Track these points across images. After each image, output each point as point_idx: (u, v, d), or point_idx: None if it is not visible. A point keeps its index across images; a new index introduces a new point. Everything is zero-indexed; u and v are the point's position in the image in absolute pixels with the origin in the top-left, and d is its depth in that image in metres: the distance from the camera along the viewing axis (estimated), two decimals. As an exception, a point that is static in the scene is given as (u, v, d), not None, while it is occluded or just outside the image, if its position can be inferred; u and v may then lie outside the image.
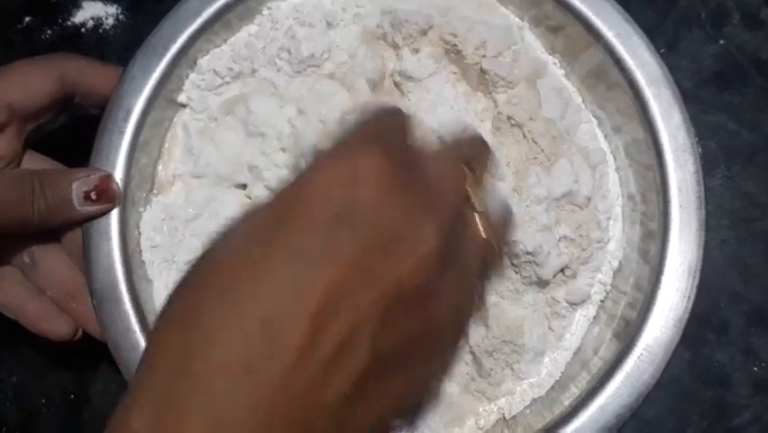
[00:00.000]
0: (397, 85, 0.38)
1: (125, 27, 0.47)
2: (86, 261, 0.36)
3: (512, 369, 0.37)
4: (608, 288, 0.38)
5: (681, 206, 0.35)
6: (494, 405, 0.37)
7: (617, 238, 0.38)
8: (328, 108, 0.36)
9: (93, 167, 0.37)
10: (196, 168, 0.39)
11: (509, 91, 0.37)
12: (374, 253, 0.23)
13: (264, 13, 0.40)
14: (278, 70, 0.38)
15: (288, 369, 0.21)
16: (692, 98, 0.40)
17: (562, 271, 0.36)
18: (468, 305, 0.29)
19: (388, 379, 0.24)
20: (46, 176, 0.35)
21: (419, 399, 0.35)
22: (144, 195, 0.39)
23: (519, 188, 0.36)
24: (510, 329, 0.36)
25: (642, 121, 0.36)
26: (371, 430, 0.24)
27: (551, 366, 0.37)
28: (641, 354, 0.34)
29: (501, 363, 0.36)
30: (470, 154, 0.30)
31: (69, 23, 0.47)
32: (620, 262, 0.38)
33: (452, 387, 0.37)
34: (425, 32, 0.37)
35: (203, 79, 0.39)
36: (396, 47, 0.38)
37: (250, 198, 0.38)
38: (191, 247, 0.38)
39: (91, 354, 0.39)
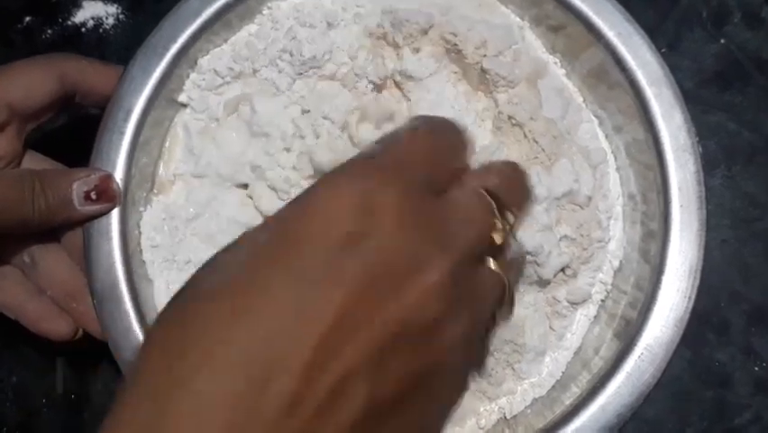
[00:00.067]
0: (397, 84, 0.38)
1: (125, 27, 0.47)
2: (86, 260, 0.36)
3: (513, 369, 0.37)
4: (609, 287, 0.38)
5: (681, 205, 0.35)
6: (495, 405, 0.37)
7: (617, 238, 0.38)
8: (331, 108, 0.37)
9: (93, 167, 0.37)
10: (196, 167, 0.39)
11: (510, 91, 0.37)
12: (377, 287, 0.21)
13: (264, 12, 0.40)
14: (280, 72, 0.38)
15: (279, 416, 0.19)
16: (693, 98, 0.40)
17: (562, 270, 0.36)
18: (478, 350, 0.27)
19: (389, 425, 0.22)
20: (46, 176, 0.35)
21: None
22: (145, 195, 0.39)
23: (520, 187, 0.36)
24: (511, 329, 0.36)
25: (643, 121, 0.36)
26: None
27: (552, 366, 0.37)
28: (642, 354, 0.34)
29: (502, 363, 0.36)
30: (506, 191, 0.27)
31: (69, 22, 0.47)
32: (621, 262, 0.38)
33: (452, 387, 0.37)
34: (425, 32, 0.37)
35: (203, 79, 0.39)
36: (396, 46, 0.38)
37: (251, 197, 0.38)
38: (192, 247, 0.38)
39: (91, 353, 0.39)
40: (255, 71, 0.39)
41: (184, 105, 0.39)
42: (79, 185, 0.36)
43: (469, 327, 0.24)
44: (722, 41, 0.44)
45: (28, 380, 0.44)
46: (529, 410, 0.37)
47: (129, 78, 0.38)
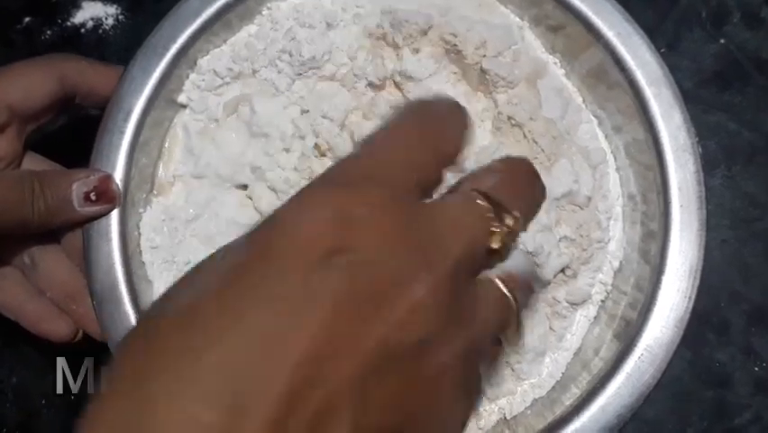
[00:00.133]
0: (397, 85, 0.38)
1: (125, 27, 0.47)
2: (86, 262, 0.36)
3: (513, 369, 0.37)
4: (609, 288, 0.38)
5: (681, 206, 0.35)
6: (495, 405, 0.37)
7: (617, 238, 0.38)
8: (330, 107, 0.36)
9: (93, 168, 0.37)
10: (196, 168, 0.39)
11: (509, 91, 0.37)
12: (358, 306, 0.19)
13: (264, 13, 0.40)
14: (279, 72, 0.38)
15: None
16: (693, 98, 0.40)
17: (562, 271, 0.36)
18: (476, 378, 0.24)
19: None
20: (46, 177, 0.35)
21: None
22: (144, 195, 0.39)
23: (520, 188, 0.36)
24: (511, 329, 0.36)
25: (642, 121, 0.36)
26: None
27: (551, 366, 0.37)
28: (642, 355, 0.34)
29: (502, 364, 0.36)
30: (505, 191, 0.24)
31: (69, 23, 0.47)
32: (621, 263, 0.38)
33: (452, 387, 0.37)
34: (425, 32, 0.37)
35: (203, 80, 0.39)
36: (396, 47, 0.38)
37: (251, 198, 0.38)
38: (191, 248, 0.38)
39: (91, 354, 0.39)
40: (255, 72, 0.39)
41: (183, 106, 0.39)
42: (79, 186, 0.36)
43: (465, 349, 0.22)
44: (721, 40, 0.44)
45: (28, 380, 0.44)
46: (529, 411, 0.37)
47: (129, 78, 0.38)
